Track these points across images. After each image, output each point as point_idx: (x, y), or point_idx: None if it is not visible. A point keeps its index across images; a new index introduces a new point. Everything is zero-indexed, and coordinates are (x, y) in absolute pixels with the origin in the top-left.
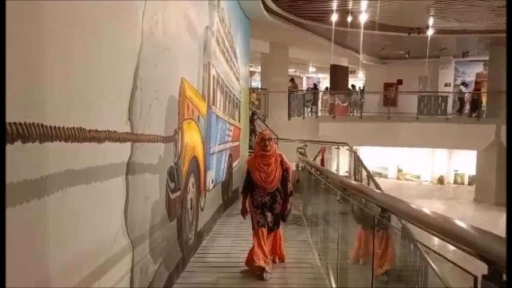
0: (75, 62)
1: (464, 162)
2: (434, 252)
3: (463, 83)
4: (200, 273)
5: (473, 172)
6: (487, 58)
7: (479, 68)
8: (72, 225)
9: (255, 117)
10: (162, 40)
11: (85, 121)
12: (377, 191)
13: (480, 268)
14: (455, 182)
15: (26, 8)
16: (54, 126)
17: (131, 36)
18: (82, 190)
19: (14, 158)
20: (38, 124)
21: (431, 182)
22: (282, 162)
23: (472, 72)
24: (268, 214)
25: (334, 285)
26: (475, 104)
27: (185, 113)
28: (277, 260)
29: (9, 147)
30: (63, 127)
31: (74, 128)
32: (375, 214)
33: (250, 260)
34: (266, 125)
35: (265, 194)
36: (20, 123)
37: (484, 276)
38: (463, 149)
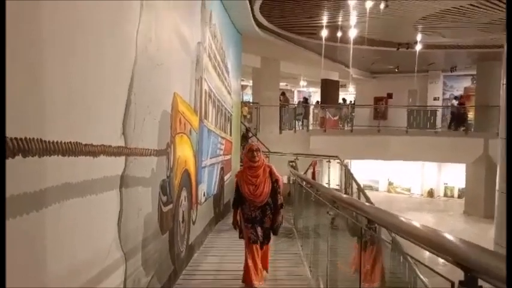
0: (73, 77)
1: (454, 175)
2: (416, 260)
3: (456, 97)
4: (191, 286)
5: (462, 185)
6: (474, 72)
7: (467, 82)
8: (69, 236)
9: (249, 134)
10: (155, 56)
11: (81, 136)
12: (364, 203)
13: None
14: (445, 195)
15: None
16: (53, 141)
17: (126, 53)
18: (78, 203)
19: (14, 172)
20: (37, 139)
21: (422, 195)
22: (272, 173)
23: (460, 86)
24: (259, 229)
25: None
26: (462, 118)
27: (177, 127)
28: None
29: (10, 161)
30: (61, 142)
31: (71, 142)
32: (362, 226)
33: (246, 279)
34: (258, 139)
35: (255, 208)
36: (20, 139)
37: (460, 282)
38: (452, 162)
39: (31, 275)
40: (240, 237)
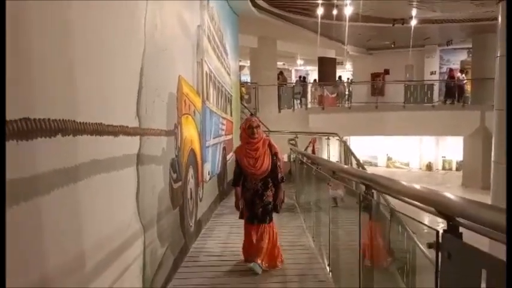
0: (94, 67)
1: (452, 148)
2: (405, 215)
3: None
4: (202, 258)
5: (460, 158)
6: (470, 46)
7: (464, 56)
8: (98, 208)
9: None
10: (161, 41)
11: (103, 117)
12: (359, 169)
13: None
14: (443, 168)
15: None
16: (82, 122)
17: (136, 40)
18: (104, 178)
19: (56, 149)
20: (71, 120)
21: (420, 168)
22: (271, 146)
23: (457, 60)
24: (257, 202)
25: (326, 262)
26: (451, 92)
27: (183, 109)
28: (279, 263)
29: (52, 140)
30: (89, 122)
31: (96, 123)
32: (361, 192)
33: (244, 257)
34: (257, 119)
35: (257, 181)
36: (60, 120)
37: (444, 231)
38: (450, 136)
39: (70, 241)
40: (239, 218)
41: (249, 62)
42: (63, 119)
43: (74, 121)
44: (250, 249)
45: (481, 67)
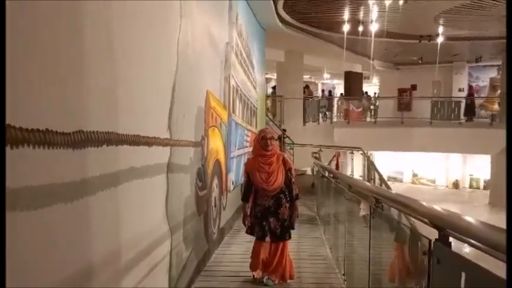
0: (133, 85)
1: (480, 166)
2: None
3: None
4: (223, 264)
5: (488, 176)
6: (500, 62)
7: (493, 73)
8: (133, 210)
9: (285, 136)
10: (191, 59)
11: (141, 130)
12: (366, 182)
13: None
14: (470, 186)
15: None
16: (123, 134)
17: (170, 59)
18: (139, 184)
19: (101, 158)
20: (114, 132)
21: (447, 186)
22: (285, 162)
23: (486, 77)
24: (272, 220)
25: (342, 272)
26: (470, 109)
27: (210, 121)
28: (288, 277)
29: (99, 149)
30: (128, 134)
31: (134, 135)
32: (372, 204)
33: (253, 273)
34: (283, 132)
35: (269, 198)
36: (106, 132)
37: (436, 239)
38: (477, 154)
39: (111, 238)
40: (246, 232)
41: (275, 74)
42: (107, 131)
43: (117, 133)
44: (259, 265)
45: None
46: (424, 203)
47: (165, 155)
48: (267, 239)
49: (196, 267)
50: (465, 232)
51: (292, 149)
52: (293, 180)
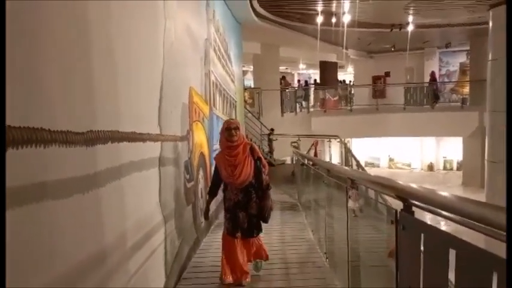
0: (131, 88)
1: (452, 148)
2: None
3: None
4: (212, 251)
5: (461, 158)
6: (468, 48)
7: (463, 58)
8: (134, 199)
9: (273, 137)
10: (175, 58)
11: (136, 127)
12: (343, 166)
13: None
14: (444, 168)
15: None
16: (123, 131)
17: (157, 59)
18: (137, 176)
19: (107, 153)
20: (116, 130)
21: (422, 169)
22: (253, 151)
23: (456, 62)
24: (242, 215)
25: (324, 251)
26: (434, 94)
27: (193, 116)
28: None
29: (104, 146)
30: (127, 131)
31: (132, 132)
32: (347, 185)
33: (221, 275)
34: (261, 122)
35: (238, 191)
36: (109, 131)
37: (401, 210)
38: (449, 136)
39: (118, 224)
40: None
41: (252, 66)
42: (111, 130)
43: (118, 131)
44: (230, 264)
45: (479, 69)
46: (390, 179)
47: (157, 149)
48: (238, 234)
49: (187, 255)
50: (423, 200)
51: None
52: (263, 170)
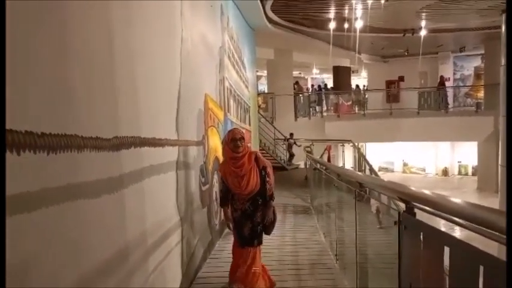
0: (151, 96)
1: (468, 153)
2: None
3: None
4: (225, 254)
5: (476, 163)
6: (483, 51)
7: (477, 62)
8: (153, 201)
9: (293, 141)
10: (191, 66)
11: (156, 133)
12: (352, 170)
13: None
14: (459, 173)
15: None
16: (145, 137)
17: (175, 68)
18: (156, 179)
19: (130, 158)
20: (137, 136)
21: (436, 174)
22: (258, 160)
23: (471, 66)
24: (247, 224)
25: (335, 253)
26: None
27: (209, 122)
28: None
29: (127, 151)
30: (148, 137)
31: (153, 137)
32: (356, 188)
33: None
34: (274, 127)
35: (245, 200)
36: (131, 136)
37: (404, 211)
38: (464, 141)
39: (138, 223)
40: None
41: (265, 71)
42: (133, 136)
43: (140, 137)
44: (239, 274)
45: (494, 73)
46: (394, 182)
47: (174, 154)
48: (244, 244)
49: (202, 255)
50: (424, 202)
51: (286, 144)
52: (267, 179)
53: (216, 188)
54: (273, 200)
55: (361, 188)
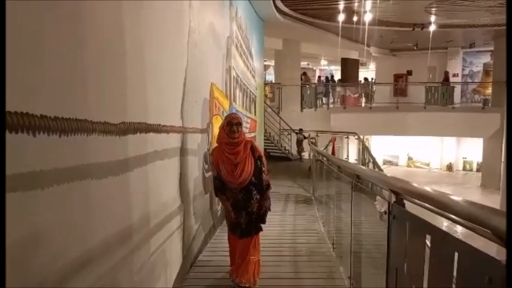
0: (158, 84)
1: (473, 149)
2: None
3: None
4: (226, 239)
5: (481, 159)
6: (493, 48)
7: (487, 58)
8: (158, 185)
9: (302, 136)
10: (198, 56)
11: (161, 119)
12: (350, 162)
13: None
14: (464, 169)
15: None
16: (150, 123)
17: (182, 57)
18: (161, 164)
19: (136, 143)
20: (143, 122)
21: (441, 169)
22: (254, 149)
23: (480, 62)
24: (241, 214)
25: (332, 242)
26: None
27: (214, 110)
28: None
29: (134, 136)
30: (154, 124)
31: (158, 124)
32: (353, 179)
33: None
34: (280, 117)
35: (237, 190)
36: (137, 122)
37: (393, 202)
38: (469, 137)
39: (143, 206)
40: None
41: (273, 61)
42: (139, 122)
43: (146, 123)
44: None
45: (503, 70)
46: (385, 175)
47: (179, 140)
48: (238, 233)
49: (203, 239)
50: (413, 194)
51: (290, 134)
52: (263, 169)
53: None
54: (270, 189)
55: (358, 179)
